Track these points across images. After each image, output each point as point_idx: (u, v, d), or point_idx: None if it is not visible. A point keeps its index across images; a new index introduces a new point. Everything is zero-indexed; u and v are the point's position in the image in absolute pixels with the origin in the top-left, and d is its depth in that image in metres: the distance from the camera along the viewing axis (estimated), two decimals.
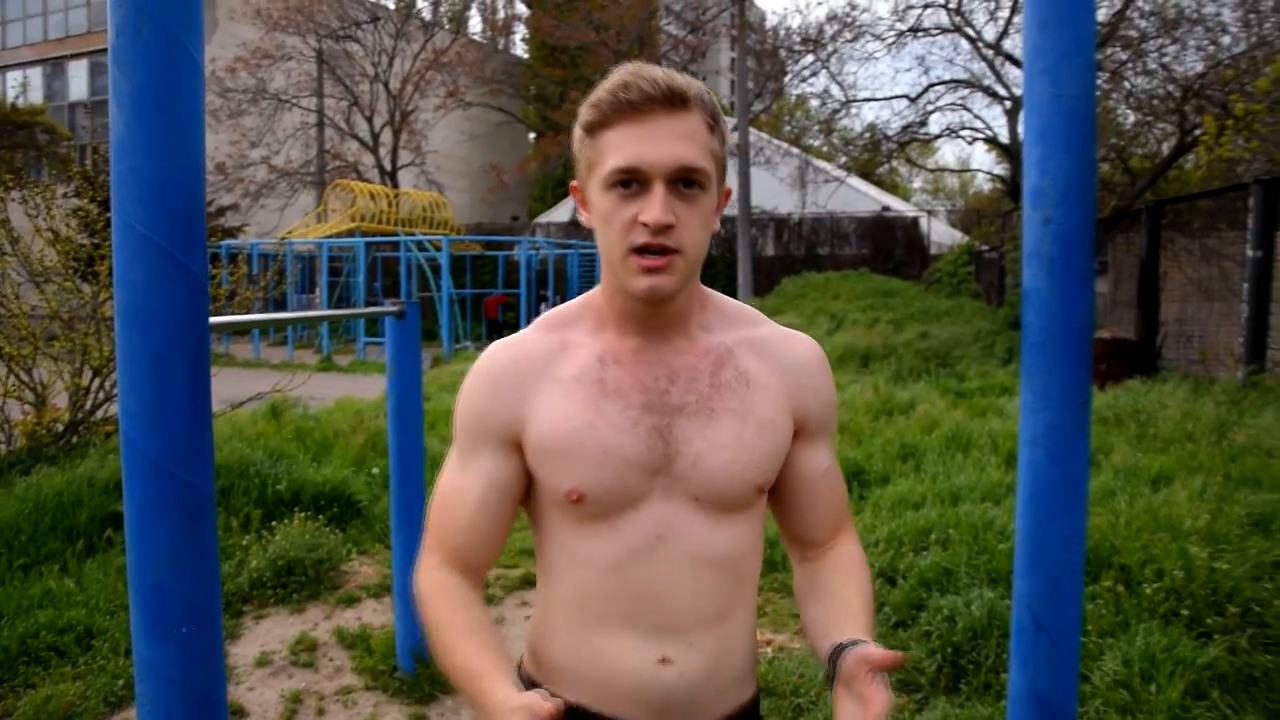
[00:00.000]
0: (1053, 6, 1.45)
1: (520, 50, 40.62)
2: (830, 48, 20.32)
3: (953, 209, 39.47)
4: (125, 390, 1.35)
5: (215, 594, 1.44)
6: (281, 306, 21.43)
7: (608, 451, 1.16)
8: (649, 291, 1.11)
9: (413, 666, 3.45)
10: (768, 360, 1.25)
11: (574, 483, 1.16)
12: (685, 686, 1.19)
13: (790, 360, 1.26)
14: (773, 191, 25.58)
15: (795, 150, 26.46)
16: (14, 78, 32.25)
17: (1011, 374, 9.72)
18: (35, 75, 32.53)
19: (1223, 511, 3.73)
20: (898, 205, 30.72)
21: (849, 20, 20.17)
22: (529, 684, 1.25)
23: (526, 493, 1.25)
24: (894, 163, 26.87)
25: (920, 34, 18.48)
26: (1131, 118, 15.70)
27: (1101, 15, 14.06)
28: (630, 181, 1.10)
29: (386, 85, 29.78)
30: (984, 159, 73.90)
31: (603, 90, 1.12)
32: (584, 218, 1.20)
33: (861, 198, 28.22)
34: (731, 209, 18.84)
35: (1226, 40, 13.36)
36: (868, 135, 22.54)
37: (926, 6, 17.93)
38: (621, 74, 1.11)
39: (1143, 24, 14.19)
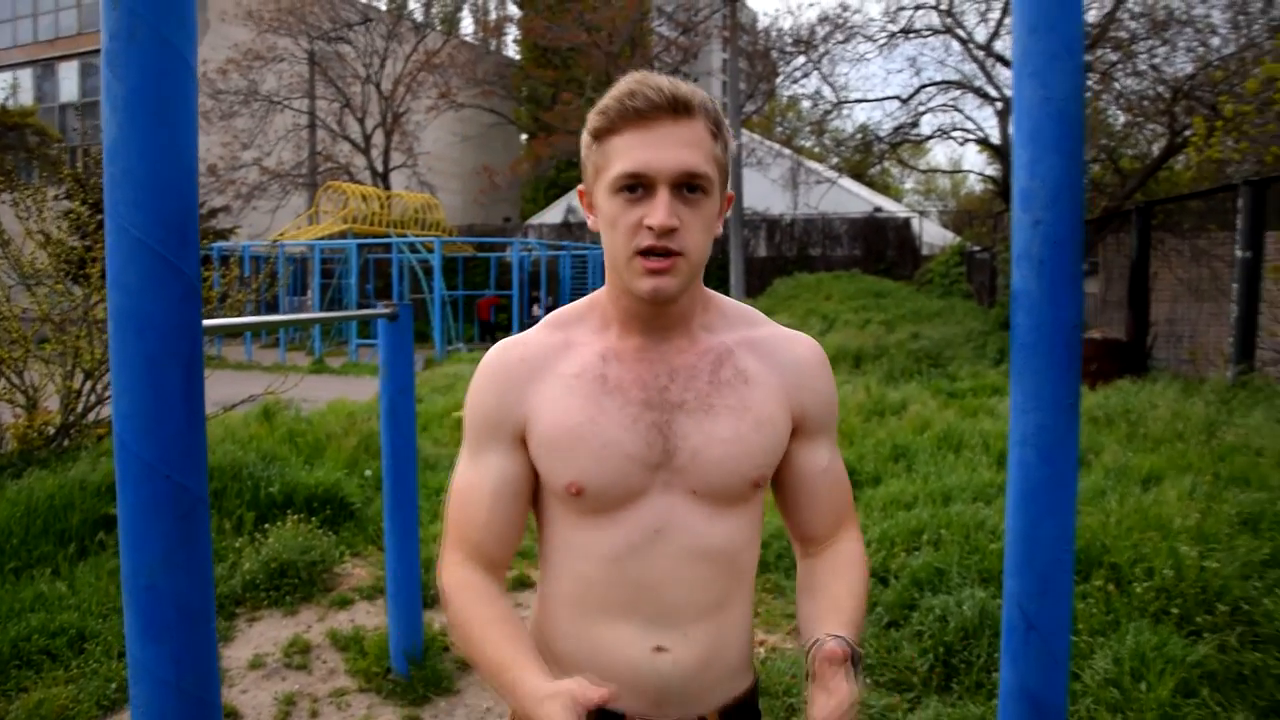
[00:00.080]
0: (1041, 10, 1.46)
1: (512, 51, 40.59)
2: (822, 49, 20.34)
3: (944, 210, 39.52)
4: (119, 393, 1.35)
5: (209, 596, 1.44)
6: (273, 309, 21.37)
7: (607, 446, 1.19)
8: (653, 293, 1.15)
9: (406, 668, 3.45)
10: (767, 360, 1.28)
11: (573, 476, 1.20)
12: (681, 675, 1.22)
13: (789, 360, 1.29)
14: (765, 192, 25.64)
15: (787, 151, 26.54)
16: (4, 79, 32.04)
17: (1003, 374, 9.75)
18: (25, 77, 32.36)
19: (1212, 510, 3.75)
20: (890, 206, 30.78)
21: (840, 21, 20.23)
22: None
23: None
24: (886, 164, 26.93)
25: (912, 35, 18.49)
26: (1122, 119, 15.73)
27: (1092, 16, 14.11)
28: (636, 186, 1.13)
29: (378, 87, 29.71)
30: (975, 160, 74.25)
31: (610, 98, 1.15)
32: (590, 221, 1.23)
33: (853, 199, 28.26)
34: None
35: (1216, 42, 13.42)
36: (859, 136, 22.53)
37: (918, 8, 17.95)
38: (628, 82, 1.15)
39: (1133, 25, 14.23)
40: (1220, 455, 4.74)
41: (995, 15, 16.90)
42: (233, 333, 3.54)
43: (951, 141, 23.50)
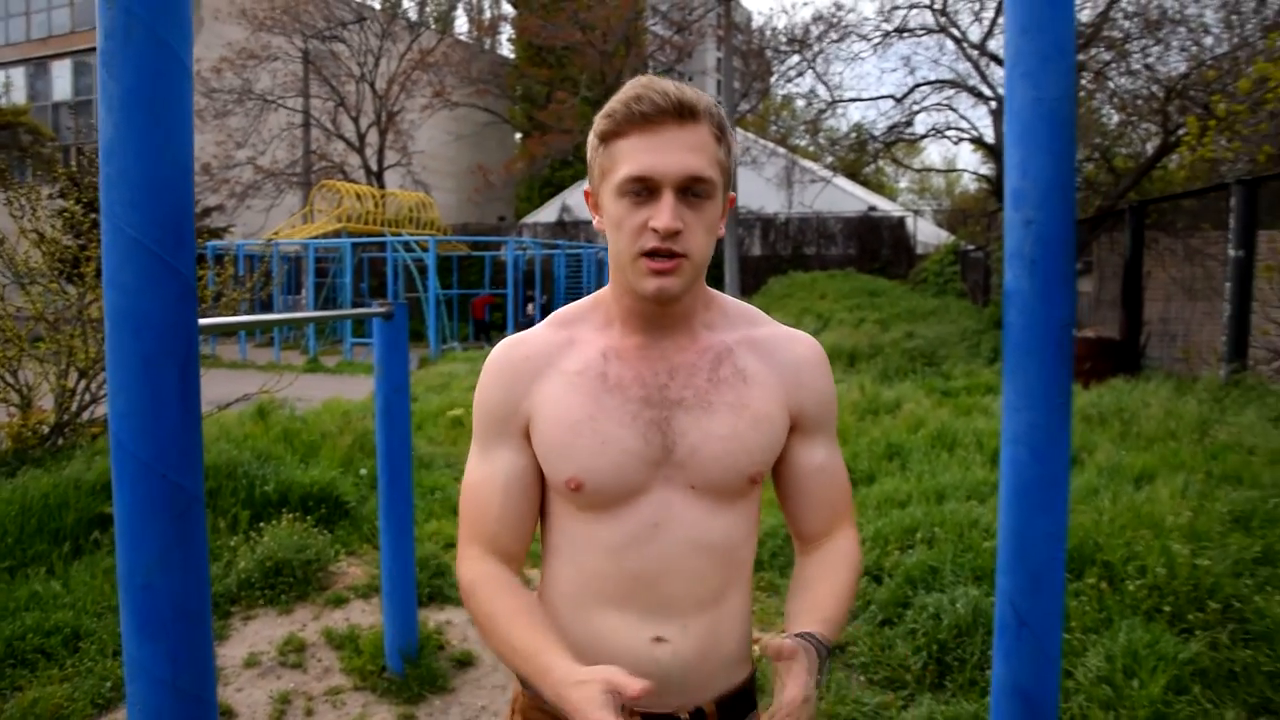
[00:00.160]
0: (1033, 11, 1.47)
1: (506, 50, 40.58)
2: (816, 48, 20.32)
3: (939, 209, 39.61)
4: (115, 392, 1.35)
5: (205, 595, 1.44)
6: (268, 308, 21.33)
7: (606, 442, 1.22)
8: (657, 293, 1.18)
9: (401, 666, 3.46)
10: (767, 358, 1.30)
11: (573, 472, 1.23)
12: (680, 666, 1.24)
13: (789, 358, 1.31)
14: (759, 191, 25.63)
15: (781, 150, 26.50)
16: None
17: (997, 373, 9.77)
18: (18, 75, 32.27)
19: (1204, 509, 3.77)
20: (884, 205, 30.80)
21: (835, 21, 20.19)
22: None
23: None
24: (880, 163, 26.89)
25: (906, 34, 18.49)
26: (1115, 118, 15.78)
27: (1085, 16, 14.14)
28: (641, 189, 1.16)
29: (372, 86, 29.67)
30: (969, 159, 74.28)
31: (617, 101, 1.17)
32: (596, 221, 1.26)
33: (848, 197, 28.27)
34: None
35: (1209, 41, 13.46)
36: (854, 135, 22.54)
37: (912, 7, 17.95)
38: (635, 86, 1.17)
39: (1126, 25, 14.27)
40: (1213, 454, 4.76)
41: (989, 15, 16.95)
42: (228, 331, 3.53)
43: (946, 140, 23.55)
